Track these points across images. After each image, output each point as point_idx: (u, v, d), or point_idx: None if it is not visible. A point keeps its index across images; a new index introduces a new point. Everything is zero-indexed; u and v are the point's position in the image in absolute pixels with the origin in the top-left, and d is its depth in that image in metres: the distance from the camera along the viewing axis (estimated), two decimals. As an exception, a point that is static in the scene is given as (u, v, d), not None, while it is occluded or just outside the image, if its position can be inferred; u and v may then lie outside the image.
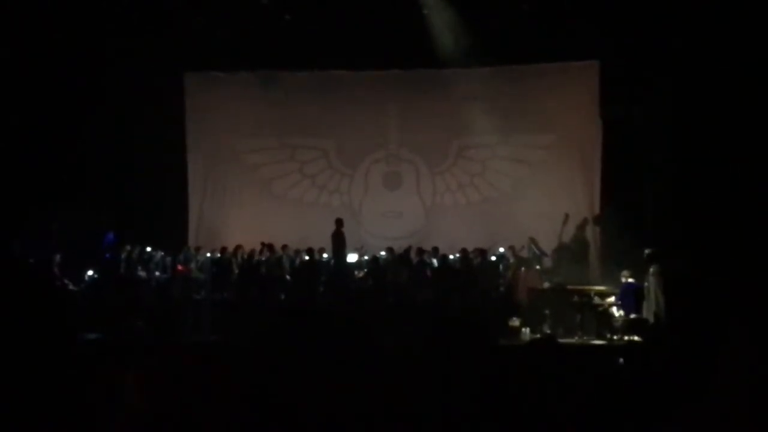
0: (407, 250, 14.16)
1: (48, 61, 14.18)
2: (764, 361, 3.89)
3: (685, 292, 11.56)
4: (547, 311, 12.94)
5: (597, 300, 12.58)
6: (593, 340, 12.09)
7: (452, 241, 15.18)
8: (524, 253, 14.21)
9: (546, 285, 13.26)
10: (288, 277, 14.26)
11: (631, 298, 12.22)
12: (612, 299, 12.51)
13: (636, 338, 11.55)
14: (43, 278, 12.11)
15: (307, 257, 14.20)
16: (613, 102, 15.09)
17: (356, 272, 14.36)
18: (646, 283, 12.21)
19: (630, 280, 12.47)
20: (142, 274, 14.22)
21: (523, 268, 13.71)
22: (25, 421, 3.93)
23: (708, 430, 3.89)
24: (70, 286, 13.40)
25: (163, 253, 14.61)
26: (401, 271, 13.67)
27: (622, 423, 4.25)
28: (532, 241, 14.31)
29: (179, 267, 14.26)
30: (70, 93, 14.67)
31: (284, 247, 14.82)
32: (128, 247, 14.27)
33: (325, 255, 14.60)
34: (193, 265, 14.51)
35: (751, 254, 11.70)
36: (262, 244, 14.65)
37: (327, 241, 14.33)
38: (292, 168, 17.14)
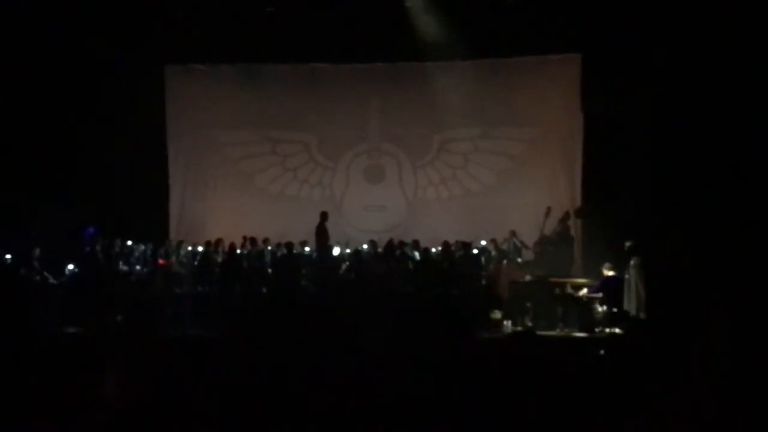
0: (389, 243, 14.14)
1: (26, 56, 14.05)
2: (741, 352, 3.93)
3: (665, 284, 11.63)
4: (528, 304, 12.97)
5: (578, 292, 12.63)
6: (575, 332, 12.13)
7: (434, 234, 15.19)
8: (506, 246, 14.26)
9: (528, 278, 13.28)
10: (270, 270, 14.19)
11: (611, 290, 12.23)
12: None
13: (617, 330, 11.62)
14: (10, 276, 12.02)
15: (286, 251, 14.12)
16: (595, 95, 15.10)
17: (341, 265, 14.30)
18: (626, 276, 12.25)
19: (611, 273, 12.49)
20: (123, 267, 14.11)
21: (504, 261, 13.71)
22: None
23: (686, 420, 3.92)
24: (50, 280, 13.28)
25: (144, 247, 14.51)
26: (383, 263, 13.65)
27: (602, 413, 4.27)
28: (513, 234, 14.39)
29: (160, 261, 14.18)
30: (50, 86, 14.54)
31: (266, 240, 14.78)
32: (109, 241, 14.16)
33: (307, 248, 14.56)
34: (174, 259, 14.44)
35: (730, 247, 11.80)
36: (244, 237, 14.60)
37: (308, 235, 14.28)
38: (274, 161, 17.09)
